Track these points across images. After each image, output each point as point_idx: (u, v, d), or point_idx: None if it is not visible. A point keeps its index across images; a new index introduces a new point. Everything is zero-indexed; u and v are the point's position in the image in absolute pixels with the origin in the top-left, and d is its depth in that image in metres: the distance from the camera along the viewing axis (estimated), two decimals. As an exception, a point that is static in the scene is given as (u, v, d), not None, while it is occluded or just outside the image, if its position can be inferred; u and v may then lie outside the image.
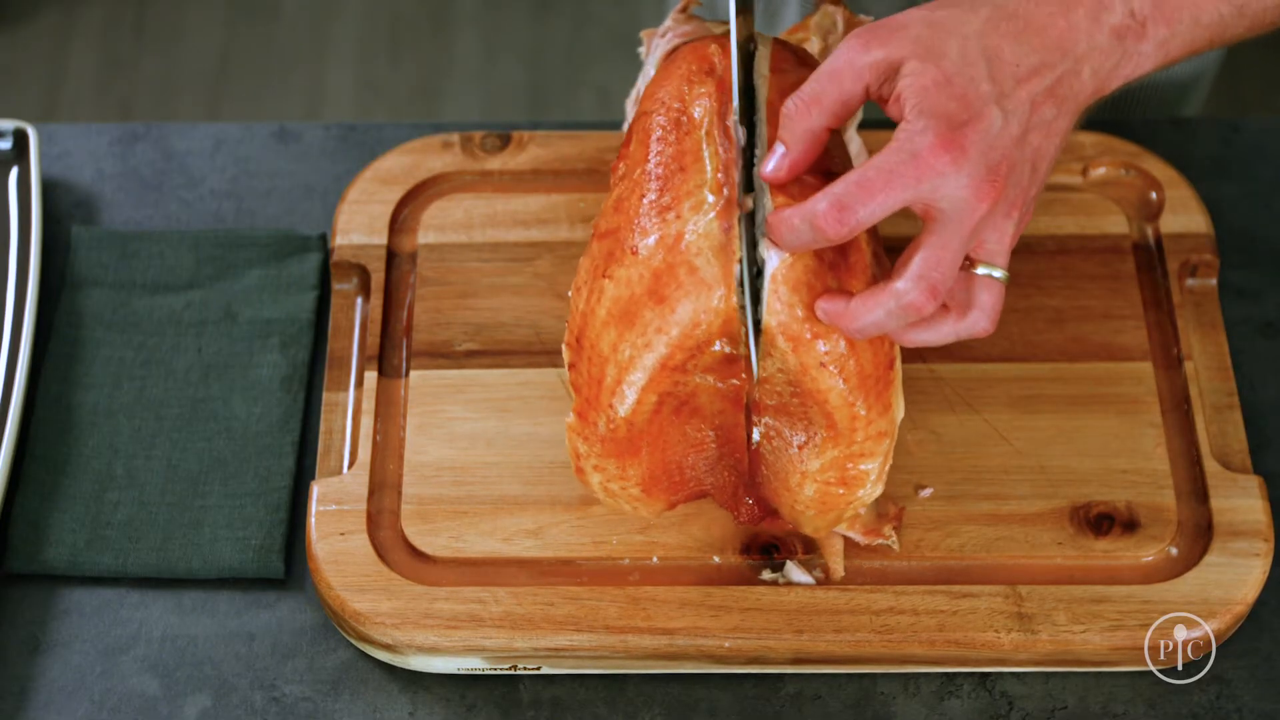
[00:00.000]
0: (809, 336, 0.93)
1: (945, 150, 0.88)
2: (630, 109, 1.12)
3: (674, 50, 1.06)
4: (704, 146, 0.96)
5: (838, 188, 0.89)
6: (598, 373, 0.97)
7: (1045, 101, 0.91)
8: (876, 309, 0.91)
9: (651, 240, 0.95)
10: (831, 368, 0.94)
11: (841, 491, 0.98)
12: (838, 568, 1.03)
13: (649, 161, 0.97)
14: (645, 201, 0.96)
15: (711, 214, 0.95)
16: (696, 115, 0.98)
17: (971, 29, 0.91)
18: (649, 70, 1.10)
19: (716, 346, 0.95)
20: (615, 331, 0.96)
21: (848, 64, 0.91)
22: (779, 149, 0.93)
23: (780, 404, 0.96)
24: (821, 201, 0.89)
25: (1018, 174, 0.91)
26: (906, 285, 0.90)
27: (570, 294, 1.00)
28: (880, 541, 1.03)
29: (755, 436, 0.99)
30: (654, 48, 1.10)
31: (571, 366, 0.99)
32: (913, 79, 0.89)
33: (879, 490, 0.99)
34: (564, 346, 0.99)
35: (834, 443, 0.96)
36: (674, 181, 0.96)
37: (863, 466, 0.97)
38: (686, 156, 0.97)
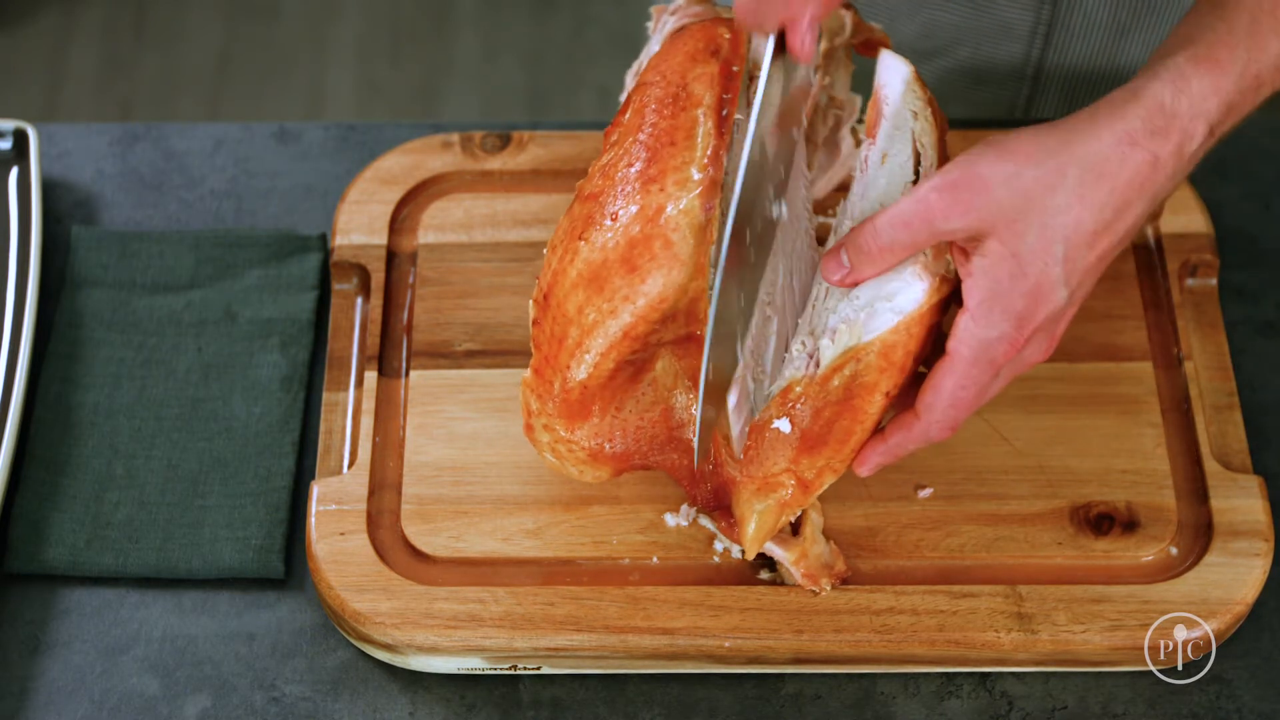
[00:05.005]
0: (898, 367, 0.96)
1: (1015, 348, 0.95)
2: (630, 81, 1.13)
3: (682, 28, 1.07)
4: (698, 125, 0.97)
5: (930, 404, 0.96)
6: (560, 332, 0.97)
7: (1113, 250, 0.95)
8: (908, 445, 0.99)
9: (633, 209, 0.96)
10: (887, 399, 0.97)
11: (800, 494, 0.99)
12: (824, 584, 1.03)
13: (641, 131, 0.98)
14: (631, 170, 0.97)
15: (695, 191, 0.96)
16: (695, 93, 0.98)
17: (1058, 200, 0.92)
18: (654, 45, 1.10)
19: (678, 323, 0.96)
20: (583, 294, 0.96)
21: (927, 224, 0.92)
22: (844, 262, 0.96)
23: (821, 403, 0.97)
24: (924, 418, 0.97)
25: (1068, 318, 0.98)
26: (937, 422, 0.97)
27: (545, 251, 1.00)
28: (813, 589, 1.03)
29: (738, 423, 1.00)
30: (662, 24, 1.11)
31: (535, 323, 0.99)
32: (989, 264, 0.92)
33: (812, 500, 1.01)
34: (530, 302, 1.00)
35: (834, 451, 0.98)
36: (663, 154, 0.97)
37: (827, 478, 0.99)
38: (679, 132, 0.97)
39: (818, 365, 0.97)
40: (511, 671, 1.03)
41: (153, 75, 2.51)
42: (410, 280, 1.17)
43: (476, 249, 1.17)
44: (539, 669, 1.03)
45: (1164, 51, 0.96)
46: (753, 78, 1.00)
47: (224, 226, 1.22)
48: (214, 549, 1.07)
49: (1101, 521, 1.06)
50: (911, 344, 0.96)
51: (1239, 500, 1.06)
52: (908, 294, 0.96)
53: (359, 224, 1.18)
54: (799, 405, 0.97)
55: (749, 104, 1.00)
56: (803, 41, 0.96)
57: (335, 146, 1.26)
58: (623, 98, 1.13)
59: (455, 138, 1.22)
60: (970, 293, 0.94)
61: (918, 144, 1.00)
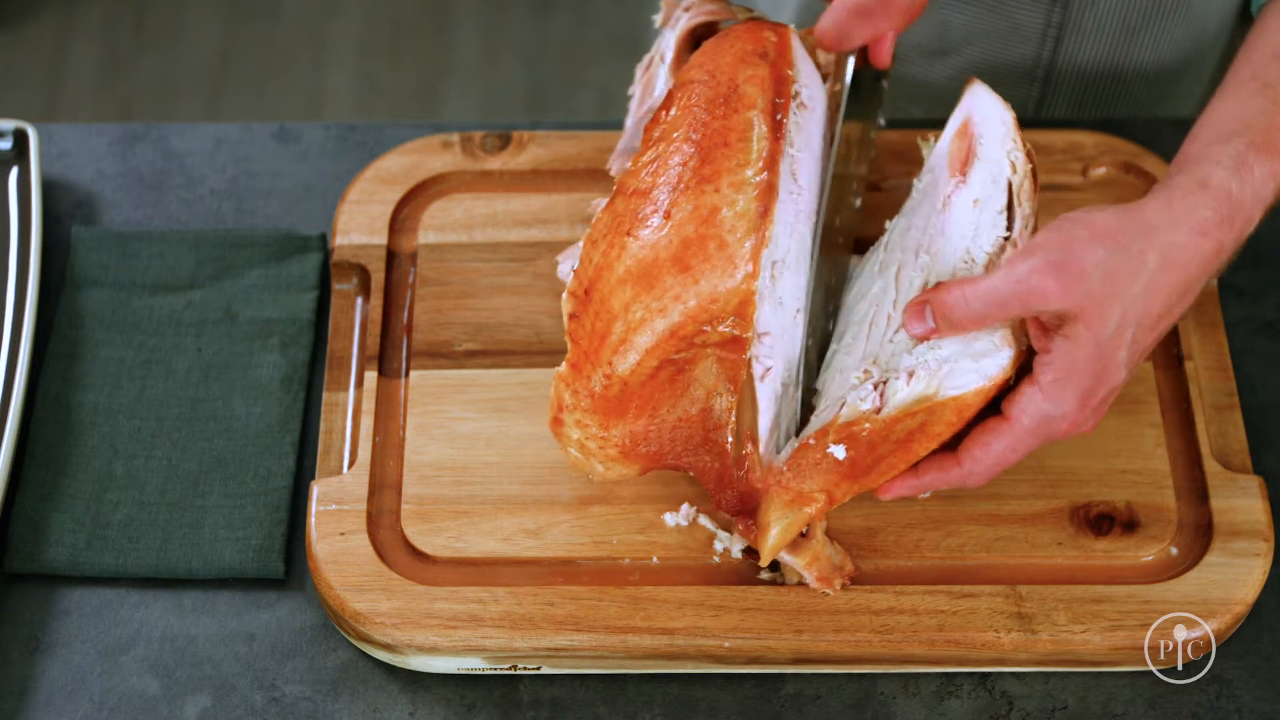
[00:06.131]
0: (964, 422, 0.97)
1: (1075, 426, 0.98)
2: (640, 73, 1.12)
3: (704, 24, 1.07)
4: (753, 128, 0.97)
5: (976, 458, 0.98)
6: (603, 328, 0.97)
7: (1167, 330, 0.99)
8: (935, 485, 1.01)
9: (686, 208, 0.96)
10: (940, 445, 0.98)
11: (825, 507, 1.00)
12: (836, 585, 1.03)
13: (692, 130, 0.98)
14: (685, 169, 0.97)
15: (752, 194, 0.96)
16: (747, 95, 0.98)
17: (1138, 288, 0.94)
18: (666, 39, 1.10)
19: (725, 325, 0.96)
20: (630, 290, 0.96)
21: (1023, 303, 0.94)
22: (928, 319, 0.97)
23: (881, 440, 0.98)
24: (965, 468, 0.99)
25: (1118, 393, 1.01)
26: (977, 474, 0.99)
27: (582, 244, 1.00)
28: (826, 590, 1.03)
29: (766, 423, 1.00)
30: (675, 19, 1.11)
31: (573, 317, 0.99)
32: (1072, 347, 0.95)
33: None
34: (566, 295, 0.99)
35: (873, 480, 0.99)
36: (716, 155, 0.97)
37: (850, 495, 1.00)
38: (732, 133, 0.97)
39: (882, 400, 0.97)
40: (511, 671, 1.03)
41: (153, 75, 2.51)
42: (410, 280, 1.17)
43: (476, 249, 1.17)
44: (539, 669, 1.03)
45: (1218, 134, 0.99)
46: (793, 80, 1.02)
47: (224, 226, 1.22)
48: (214, 549, 1.07)
49: (1101, 521, 1.06)
50: (982, 404, 0.97)
51: (1239, 500, 1.06)
52: (994, 359, 0.96)
53: (359, 224, 1.18)
54: (860, 439, 0.97)
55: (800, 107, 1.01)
56: (887, 55, 1.04)
57: (335, 146, 1.26)
58: (632, 90, 1.13)
59: (455, 138, 1.22)
60: (1045, 368, 0.95)
61: (1015, 199, 1.00)
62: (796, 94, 1.02)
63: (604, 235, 0.98)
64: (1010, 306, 0.94)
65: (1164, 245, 0.95)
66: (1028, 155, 1.01)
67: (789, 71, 1.01)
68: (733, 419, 1.01)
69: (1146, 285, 0.95)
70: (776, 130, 0.98)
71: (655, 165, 0.98)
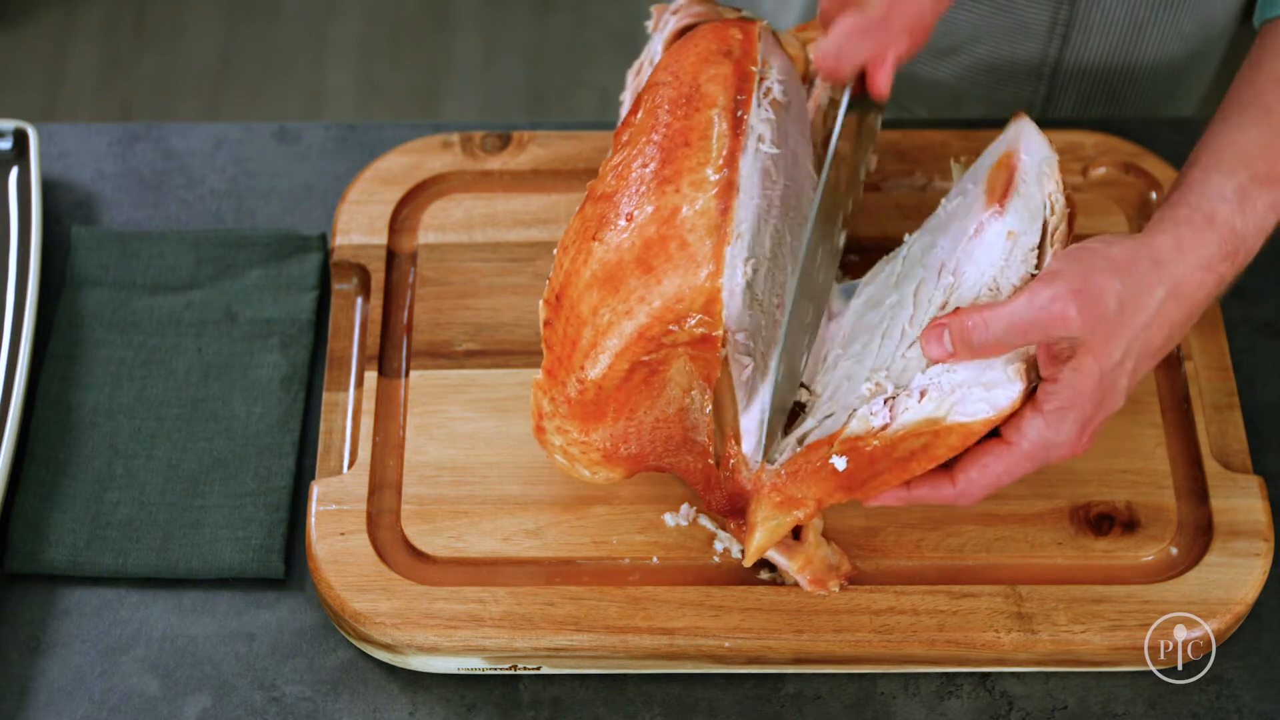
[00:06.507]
0: (965, 446, 0.97)
1: (1073, 451, 0.98)
2: (631, 79, 1.13)
3: (690, 27, 1.07)
4: (713, 126, 0.97)
5: (971, 480, 0.98)
6: (574, 333, 0.97)
7: (1166, 354, 1.00)
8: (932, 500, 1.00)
9: (648, 209, 0.96)
10: (936, 463, 0.98)
11: (814, 511, 1.00)
12: (832, 586, 1.03)
13: (654, 132, 0.98)
14: (646, 171, 0.97)
15: (711, 192, 0.96)
16: (709, 94, 0.98)
17: (1142, 320, 0.96)
18: (655, 44, 1.10)
19: (692, 323, 0.96)
20: (598, 295, 0.96)
21: (1044, 331, 0.94)
22: (946, 343, 0.96)
23: (883, 456, 0.97)
24: (959, 488, 0.98)
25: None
26: (970, 495, 0.99)
27: (555, 252, 1.00)
28: (822, 593, 1.03)
29: (752, 424, 1.00)
30: (664, 23, 1.11)
31: (547, 324, 0.99)
32: (1078, 378, 0.95)
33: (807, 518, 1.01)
34: (541, 303, 1.00)
35: (866, 492, 0.99)
36: (677, 155, 0.97)
37: (832, 503, 1.00)
38: (693, 133, 0.97)
39: (891, 415, 0.97)
40: (511, 671, 1.03)
41: (153, 75, 2.51)
42: (410, 280, 1.17)
43: (476, 249, 1.17)
44: (539, 669, 1.03)
45: (1221, 164, 0.99)
46: (763, 77, 1.01)
47: (224, 226, 1.22)
48: (214, 549, 1.07)
49: (1101, 521, 1.06)
50: (985, 431, 0.97)
51: (1239, 500, 1.06)
52: (1004, 391, 0.96)
53: (359, 224, 1.18)
54: (863, 453, 0.97)
55: (765, 103, 1.01)
56: (886, 81, 0.99)
57: (335, 146, 1.26)
58: (624, 96, 1.13)
59: (455, 138, 1.22)
60: (1049, 397, 0.96)
61: (1049, 239, 0.99)
62: (768, 91, 1.02)
63: (573, 241, 0.99)
64: (1030, 333, 0.95)
65: (1171, 279, 0.96)
66: (1068, 199, 1.01)
67: (753, 68, 1.00)
68: (708, 417, 1.01)
69: (1152, 317, 0.96)
70: (737, 127, 0.98)
71: (620, 168, 0.99)
